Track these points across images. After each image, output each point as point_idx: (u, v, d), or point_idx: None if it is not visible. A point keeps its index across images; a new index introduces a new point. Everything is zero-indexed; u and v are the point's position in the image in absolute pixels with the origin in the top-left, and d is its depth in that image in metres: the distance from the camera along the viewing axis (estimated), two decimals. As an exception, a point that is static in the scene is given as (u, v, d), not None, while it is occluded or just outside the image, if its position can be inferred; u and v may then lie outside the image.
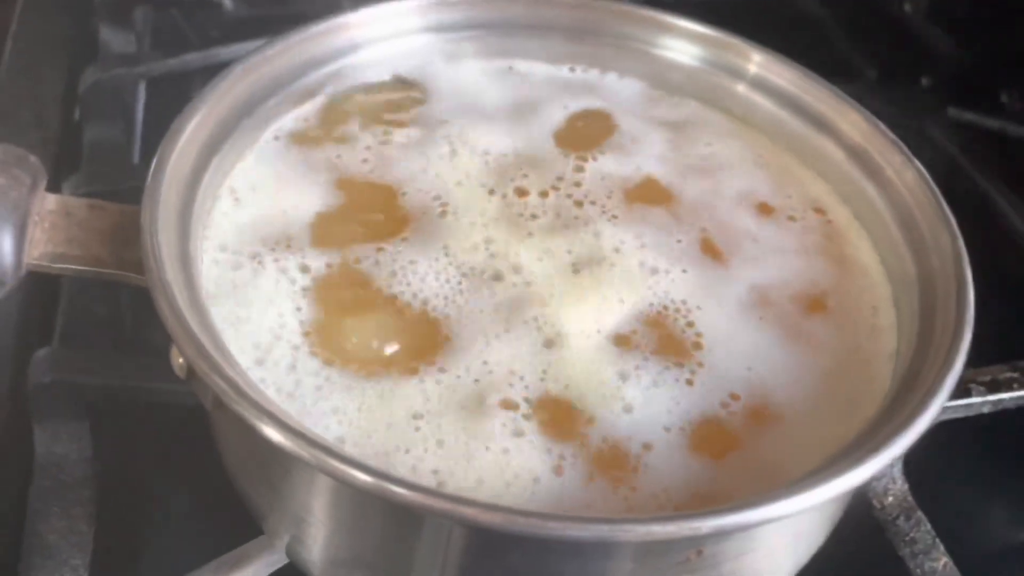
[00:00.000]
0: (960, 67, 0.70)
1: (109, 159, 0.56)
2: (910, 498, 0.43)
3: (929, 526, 0.42)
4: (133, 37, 0.67)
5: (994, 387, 0.46)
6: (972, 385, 0.46)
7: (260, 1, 0.71)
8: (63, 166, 0.59)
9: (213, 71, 0.62)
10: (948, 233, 0.36)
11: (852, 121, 0.42)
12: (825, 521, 0.35)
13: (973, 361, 0.45)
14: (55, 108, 0.63)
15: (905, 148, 0.40)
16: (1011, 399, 0.46)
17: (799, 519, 0.32)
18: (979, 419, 0.46)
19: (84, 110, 0.60)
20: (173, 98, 0.64)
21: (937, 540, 0.42)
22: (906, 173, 0.39)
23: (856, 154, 0.41)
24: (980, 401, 0.45)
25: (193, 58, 0.63)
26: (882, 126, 0.41)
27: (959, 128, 0.65)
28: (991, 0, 0.72)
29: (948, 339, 0.32)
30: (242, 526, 0.37)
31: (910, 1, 0.76)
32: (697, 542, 0.29)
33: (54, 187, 0.55)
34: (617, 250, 0.39)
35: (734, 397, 0.35)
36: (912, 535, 0.42)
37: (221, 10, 0.69)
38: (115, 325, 0.47)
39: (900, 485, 0.43)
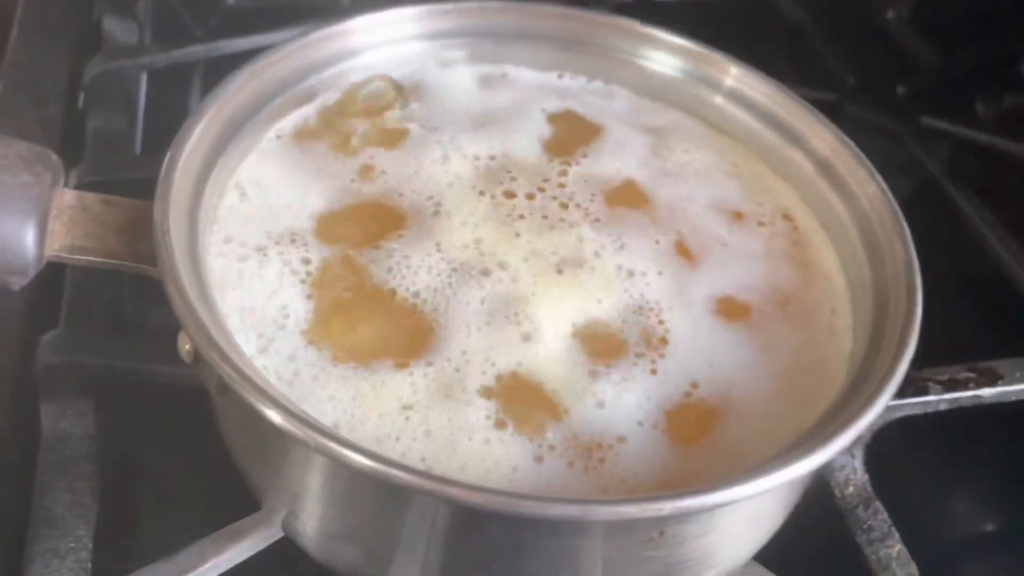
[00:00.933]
0: (938, 76, 0.71)
1: (112, 149, 0.57)
2: (869, 488, 0.45)
3: (886, 515, 0.44)
4: (135, 26, 0.68)
5: (951, 386, 0.48)
6: (930, 384, 0.48)
7: (261, -9, 0.72)
8: (66, 153, 0.60)
9: (215, 63, 0.65)
10: (902, 243, 0.38)
11: (822, 136, 0.44)
12: (782, 505, 0.37)
13: (934, 360, 0.49)
14: (59, 96, 0.64)
15: (869, 164, 0.42)
16: (967, 398, 0.48)
17: (756, 503, 0.34)
18: (937, 415, 0.48)
19: (88, 100, 0.61)
20: (175, 90, 0.66)
21: (893, 528, 0.44)
22: (869, 187, 0.41)
23: (824, 167, 0.44)
24: (937, 399, 0.48)
25: (195, 50, 0.64)
26: (849, 142, 0.43)
27: (932, 136, 0.67)
28: (974, 8, 0.74)
29: (896, 342, 0.35)
30: (239, 500, 0.39)
31: (893, 8, 0.77)
32: (660, 523, 0.31)
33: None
34: (597, 254, 0.41)
35: (694, 386, 0.37)
36: (870, 523, 0.44)
37: (222, 1, 0.71)
38: (118, 309, 0.49)
39: (860, 476, 0.46)
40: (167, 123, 0.64)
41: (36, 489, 0.41)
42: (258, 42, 0.64)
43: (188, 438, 0.43)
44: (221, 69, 0.64)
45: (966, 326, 0.57)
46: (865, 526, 0.44)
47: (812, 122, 0.44)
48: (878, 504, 0.45)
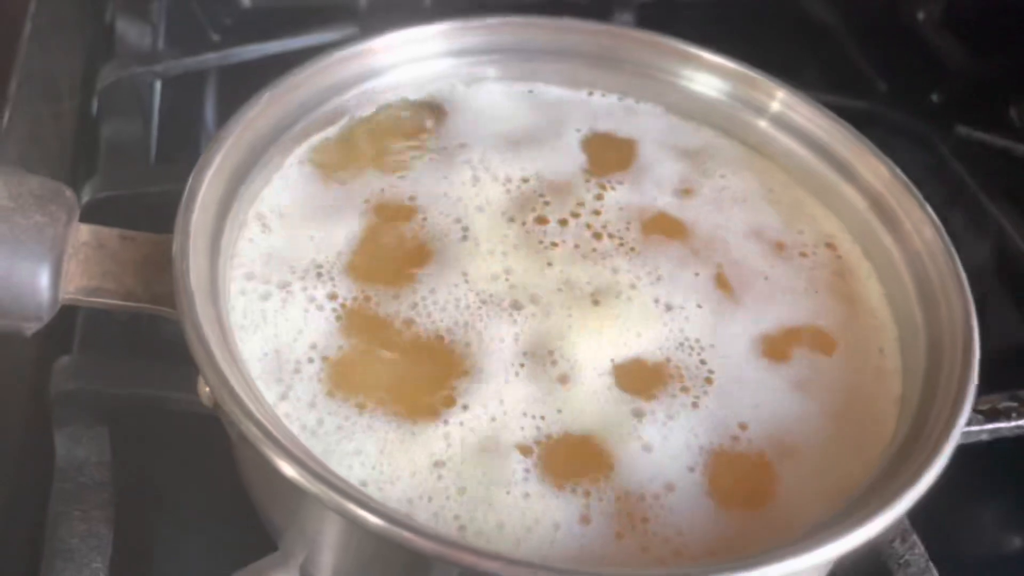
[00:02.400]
0: (971, 81, 0.70)
1: (126, 159, 0.56)
2: (906, 520, 0.44)
3: (923, 548, 0.43)
4: (149, 28, 0.67)
5: (993, 416, 0.47)
6: (971, 414, 0.47)
7: (276, -7, 0.71)
8: (80, 156, 0.59)
9: (229, 71, 0.63)
10: (959, 290, 0.37)
11: (873, 168, 0.42)
12: (824, 569, 0.36)
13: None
14: (73, 94, 0.63)
15: (925, 203, 0.40)
16: (1009, 428, 0.46)
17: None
18: (978, 446, 0.47)
19: (101, 108, 0.60)
20: (189, 96, 0.65)
21: (930, 564, 0.42)
22: (924, 227, 0.40)
23: (874, 200, 0.42)
24: (978, 430, 0.46)
25: (209, 58, 0.63)
26: (904, 177, 0.41)
27: (967, 146, 0.66)
28: (1006, 10, 0.72)
29: (952, 396, 0.33)
30: (256, 533, 0.38)
31: (923, 9, 0.75)
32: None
33: (72, 183, 0.55)
34: (633, 286, 0.39)
35: (743, 427, 0.36)
36: (906, 557, 0.43)
37: (238, 2, 0.69)
38: (133, 334, 0.48)
39: (896, 508, 0.45)
40: (181, 131, 0.64)
41: (50, 519, 0.40)
42: (272, 49, 0.63)
43: (205, 466, 0.42)
44: (235, 76, 0.64)
45: (1007, 349, 0.56)
46: (902, 560, 0.43)
47: (863, 152, 0.42)
48: (915, 538, 0.44)
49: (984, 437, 0.47)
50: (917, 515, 0.44)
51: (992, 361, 0.51)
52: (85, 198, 0.52)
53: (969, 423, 0.46)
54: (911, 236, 0.40)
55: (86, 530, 0.40)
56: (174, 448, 0.45)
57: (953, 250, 0.38)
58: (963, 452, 0.46)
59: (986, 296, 0.59)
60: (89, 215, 0.38)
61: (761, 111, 0.45)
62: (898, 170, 0.42)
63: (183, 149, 0.61)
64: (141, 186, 0.53)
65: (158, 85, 0.62)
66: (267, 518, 0.38)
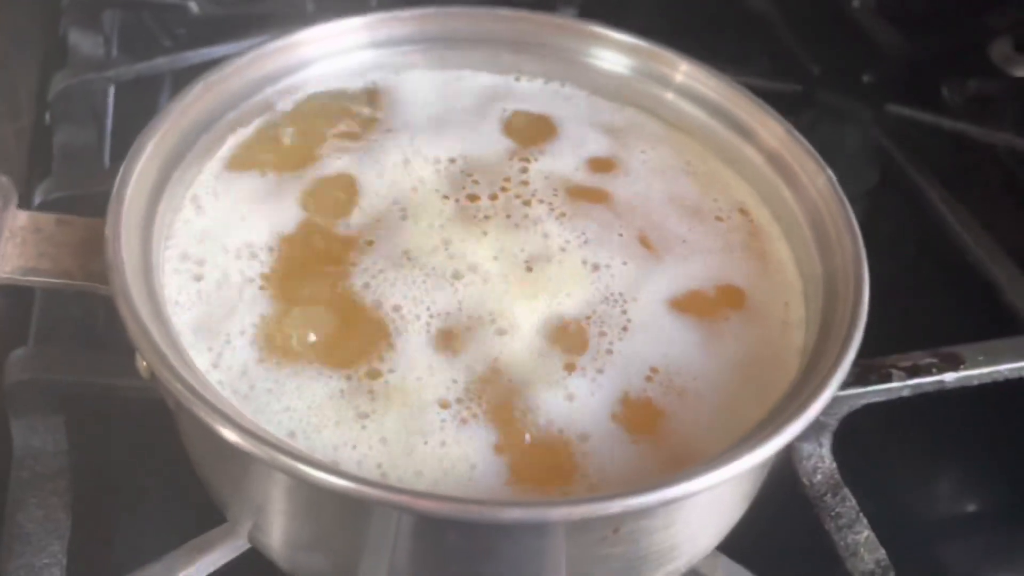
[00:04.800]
0: (904, 63, 0.72)
1: (80, 163, 0.58)
2: (837, 476, 0.46)
3: (854, 501, 0.45)
4: (101, 39, 0.68)
5: (914, 372, 0.49)
6: (893, 370, 0.49)
7: (225, 1, 0.72)
8: (36, 167, 0.61)
9: (181, 74, 0.65)
10: (850, 235, 0.39)
11: (771, 129, 0.44)
12: (740, 497, 0.38)
13: (900, 347, 0.49)
14: (29, 107, 0.64)
15: (817, 155, 0.42)
16: (930, 383, 0.48)
17: (712, 496, 0.34)
18: (901, 401, 0.48)
19: (55, 114, 0.61)
20: (142, 102, 0.66)
21: (861, 515, 0.44)
22: (818, 179, 0.41)
23: (775, 160, 0.44)
24: (900, 385, 0.48)
25: (161, 62, 0.64)
26: (798, 135, 0.43)
27: (898, 123, 0.68)
28: (939, -6, 0.74)
29: (844, 332, 0.35)
30: (209, 512, 0.39)
31: (858, -4, 0.78)
32: (613, 521, 0.31)
33: (26, 189, 0.57)
34: (563, 249, 0.41)
35: (654, 371, 0.38)
36: (837, 510, 0.45)
37: (187, 11, 0.71)
38: (87, 325, 0.49)
39: (828, 463, 0.46)
40: (135, 134, 0.65)
41: (8, 506, 0.42)
42: (224, 51, 0.64)
43: (158, 452, 0.43)
44: (188, 80, 0.65)
45: (930, 312, 0.58)
46: (833, 513, 0.45)
47: (761, 115, 0.44)
48: (846, 491, 0.46)
49: (906, 392, 0.48)
50: (848, 470, 0.46)
51: (921, 327, 0.53)
52: (38, 199, 0.54)
53: (892, 379, 0.49)
54: (807, 188, 0.42)
55: (44, 516, 0.41)
56: (129, 435, 0.46)
57: (844, 197, 0.40)
58: (890, 409, 0.49)
59: (916, 266, 0.61)
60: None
61: (667, 84, 0.47)
62: (792, 128, 0.44)
63: (137, 153, 0.63)
64: (93, 187, 0.54)
65: (112, 91, 0.63)
66: (214, 491, 0.39)
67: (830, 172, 0.41)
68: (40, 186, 0.55)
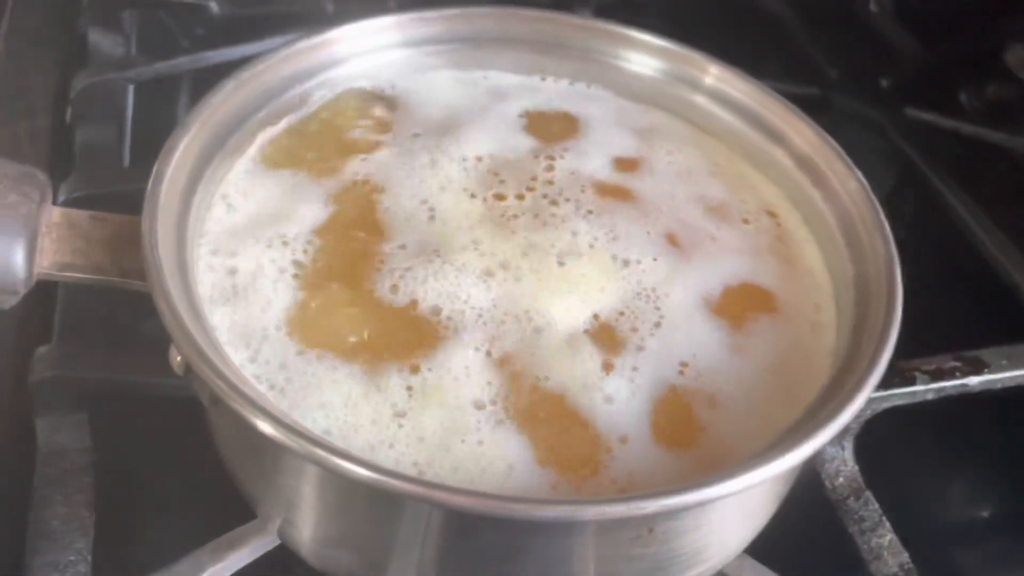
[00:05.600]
0: (921, 67, 0.72)
1: (101, 162, 0.58)
2: (859, 479, 0.46)
3: (876, 505, 0.45)
4: (121, 39, 0.68)
5: (937, 375, 0.49)
6: (917, 374, 0.49)
7: (245, 1, 0.72)
8: (56, 166, 0.61)
9: (200, 74, 0.65)
10: (882, 238, 0.39)
11: (802, 132, 0.44)
12: (770, 499, 0.38)
13: (920, 350, 0.49)
14: (47, 107, 0.64)
15: (848, 159, 0.42)
16: (953, 386, 0.48)
17: (743, 498, 0.34)
18: (925, 405, 0.48)
19: (75, 114, 0.61)
20: (162, 101, 0.66)
21: (883, 518, 0.44)
22: (849, 182, 0.42)
23: (805, 163, 0.44)
24: (924, 389, 0.48)
25: (181, 62, 0.65)
26: (829, 138, 0.43)
27: (915, 127, 0.68)
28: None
29: (877, 336, 0.35)
30: (233, 509, 0.39)
31: (875, 0, 0.78)
32: (647, 521, 0.31)
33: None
34: (592, 245, 0.41)
35: (684, 366, 0.38)
36: (861, 513, 0.45)
37: (207, 11, 0.71)
38: (111, 322, 0.49)
39: (851, 467, 0.46)
40: (155, 134, 0.64)
41: (34, 503, 0.42)
42: (244, 52, 0.64)
43: (183, 448, 0.43)
44: (207, 79, 0.65)
45: (951, 315, 0.58)
46: (856, 516, 0.45)
47: (792, 119, 0.45)
48: (868, 494, 0.46)
49: (930, 396, 0.49)
50: (870, 473, 0.46)
51: (942, 330, 0.53)
52: (61, 197, 0.54)
53: (915, 383, 0.49)
54: (838, 192, 0.42)
55: (68, 513, 0.41)
56: (152, 432, 0.46)
57: (875, 200, 0.40)
58: (912, 412, 0.49)
59: (936, 270, 0.61)
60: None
61: (697, 86, 0.48)
62: (823, 132, 0.44)
63: (157, 151, 0.63)
64: (115, 185, 0.55)
65: (131, 90, 0.63)
66: (243, 487, 0.39)
67: (861, 176, 0.41)
68: (63, 185, 0.55)
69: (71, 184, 0.55)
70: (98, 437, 0.44)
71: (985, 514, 0.53)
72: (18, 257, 0.34)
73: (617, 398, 0.37)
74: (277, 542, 0.39)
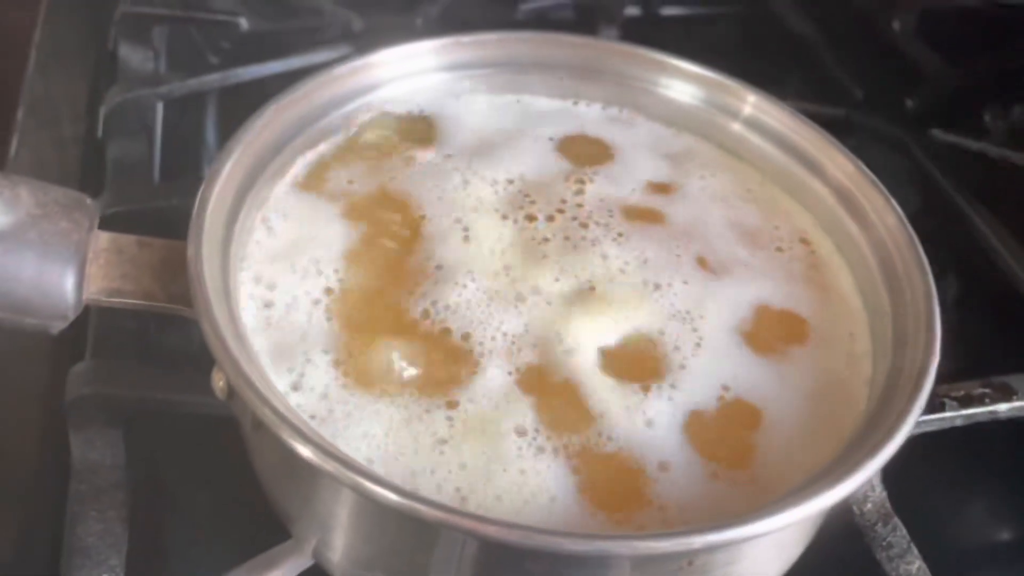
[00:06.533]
0: (945, 88, 0.72)
1: (132, 178, 0.58)
2: (888, 505, 0.45)
3: (905, 531, 0.45)
4: (151, 54, 0.69)
5: (967, 402, 0.48)
6: (946, 400, 0.49)
7: (273, 16, 0.73)
8: (87, 179, 0.61)
9: (229, 91, 0.65)
10: (920, 272, 0.39)
11: (839, 164, 0.44)
12: (806, 532, 0.38)
13: (949, 376, 0.49)
14: (77, 121, 0.65)
15: (886, 192, 0.42)
16: (982, 413, 0.48)
17: (782, 533, 0.34)
18: (953, 431, 0.48)
19: (107, 130, 0.62)
20: (190, 117, 0.67)
21: (912, 545, 0.44)
22: (887, 216, 0.42)
23: (841, 194, 0.44)
24: (953, 415, 0.48)
25: (210, 79, 0.65)
26: (866, 170, 0.44)
27: (941, 148, 0.68)
28: (979, 19, 0.74)
29: (917, 369, 0.35)
30: (268, 528, 0.39)
31: (898, 19, 0.78)
32: (689, 555, 0.32)
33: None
34: (623, 270, 0.42)
35: (725, 389, 0.38)
36: (889, 540, 0.45)
37: (236, 27, 0.72)
38: (144, 339, 0.49)
39: (879, 493, 0.46)
40: (183, 150, 0.66)
41: (68, 519, 0.42)
42: (272, 69, 0.65)
43: (217, 466, 0.44)
44: (235, 96, 0.67)
45: (976, 337, 0.57)
46: (884, 543, 0.45)
47: (830, 150, 0.45)
48: (897, 521, 0.45)
49: (959, 422, 0.48)
50: (898, 499, 0.46)
51: (967, 354, 0.53)
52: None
53: (944, 409, 0.49)
54: (876, 225, 0.42)
55: (103, 529, 0.42)
56: (186, 449, 0.47)
57: (914, 235, 0.41)
58: (940, 438, 0.49)
59: (962, 293, 0.61)
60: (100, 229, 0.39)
61: (735, 115, 0.48)
62: (862, 164, 0.44)
63: (185, 167, 0.63)
64: (147, 202, 0.55)
65: (160, 106, 0.64)
66: (279, 507, 0.39)
67: (900, 210, 0.41)
68: (96, 200, 0.55)
69: (105, 201, 0.55)
70: (132, 454, 0.44)
71: (1014, 541, 0.53)
72: (69, 284, 0.34)
73: (656, 421, 0.37)
74: (312, 562, 0.39)
